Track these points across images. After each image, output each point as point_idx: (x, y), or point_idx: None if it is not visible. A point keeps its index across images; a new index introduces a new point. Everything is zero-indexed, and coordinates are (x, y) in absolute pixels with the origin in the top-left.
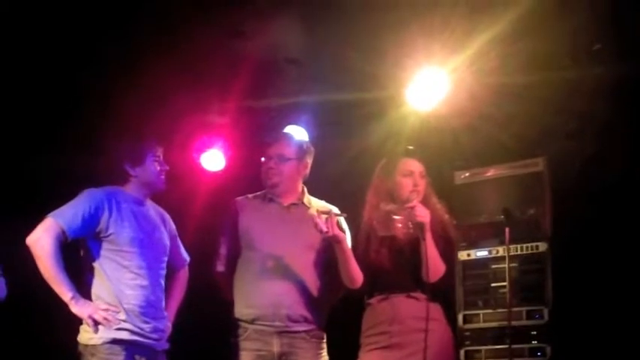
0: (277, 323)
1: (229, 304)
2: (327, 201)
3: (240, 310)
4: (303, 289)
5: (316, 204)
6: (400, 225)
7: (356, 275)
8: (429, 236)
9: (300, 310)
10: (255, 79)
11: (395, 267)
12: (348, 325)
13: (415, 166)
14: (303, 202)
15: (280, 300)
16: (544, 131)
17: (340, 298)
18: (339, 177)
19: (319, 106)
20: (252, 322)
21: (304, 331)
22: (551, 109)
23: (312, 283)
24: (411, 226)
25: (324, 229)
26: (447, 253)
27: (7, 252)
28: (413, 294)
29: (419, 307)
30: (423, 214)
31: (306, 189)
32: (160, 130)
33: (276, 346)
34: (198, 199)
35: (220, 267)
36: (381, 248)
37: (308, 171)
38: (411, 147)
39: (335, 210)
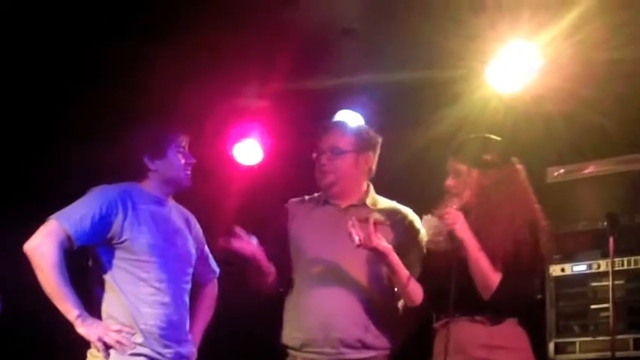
0: (327, 350)
1: (269, 325)
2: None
3: (288, 335)
4: (362, 308)
5: (384, 204)
6: (441, 238)
7: (411, 292)
8: (469, 244)
9: (357, 333)
10: (301, 55)
11: (455, 285)
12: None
13: (452, 163)
14: (365, 203)
15: (331, 321)
16: None
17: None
18: (403, 173)
19: (379, 88)
20: (300, 349)
21: None
22: None
23: (375, 300)
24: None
25: (356, 241)
26: (516, 262)
27: (2, 261)
28: (478, 317)
29: (487, 332)
30: (451, 220)
31: (372, 188)
32: (186, 116)
33: None
34: (230, 198)
35: None
36: (439, 263)
37: (373, 165)
38: (466, 139)
39: (408, 212)
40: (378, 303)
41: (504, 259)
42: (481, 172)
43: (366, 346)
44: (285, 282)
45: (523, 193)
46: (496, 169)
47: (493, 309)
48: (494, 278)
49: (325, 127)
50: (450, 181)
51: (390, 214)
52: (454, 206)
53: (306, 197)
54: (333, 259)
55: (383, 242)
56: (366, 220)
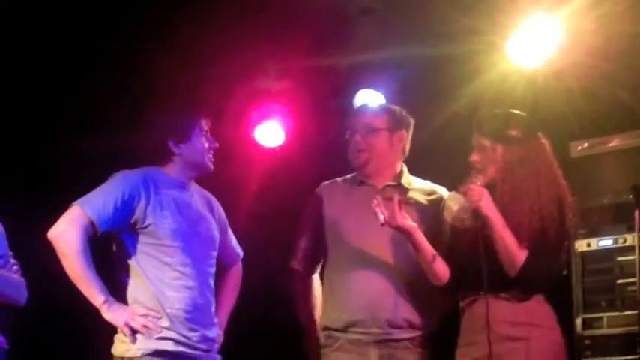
0: (375, 330)
1: (297, 308)
2: None
3: (331, 316)
4: (406, 288)
5: (420, 185)
6: (466, 215)
7: (438, 270)
8: (494, 221)
9: (404, 312)
10: (319, 35)
11: (480, 263)
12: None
13: (476, 138)
14: (401, 183)
15: (379, 302)
16: None
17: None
18: (423, 150)
19: (399, 65)
20: (345, 329)
21: (408, 339)
22: None
23: (416, 280)
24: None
25: (381, 220)
26: (542, 239)
27: (27, 248)
28: (504, 294)
29: (512, 309)
30: (475, 197)
31: (406, 168)
32: (206, 99)
33: (373, 357)
34: (252, 180)
35: (295, 264)
36: (464, 241)
37: (407, 145)
38: (486, 113)
39: (444, 193)
40: (420, 283)
41: (530, 236)
42: (505, 147)
43: (411, 326)
44: (320, 265)
45: (548, 169)
46: (520, 144)
47: (519, 286)
48: (520, 255)
49: (357, 108)
50: (474, 157)
51: (427, 194)
52: (478, 183)
53: (339, 179)
54: (374, 240)
55: (408, 221)
56: (391, 200)
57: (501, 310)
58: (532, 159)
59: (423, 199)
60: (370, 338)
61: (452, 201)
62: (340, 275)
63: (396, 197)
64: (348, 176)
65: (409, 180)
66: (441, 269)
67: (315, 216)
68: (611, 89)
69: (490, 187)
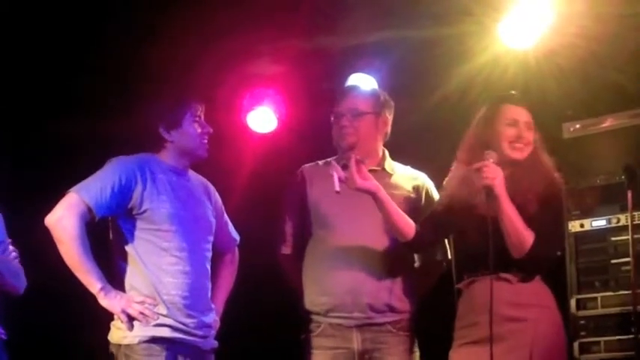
0: (357, 314)
1: (294, 292)
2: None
3: (312, 300)
4: (388, 273)
5: (401, 170)
6: (466, 191)
7: (403, 227)
8: (506, 201)
9: (385, 297)
10: (311, 18)
11: (481, 243)
12: (444, 315)
13: (521, 114)
14: (384, 168)
15: (360, 286)
16: None
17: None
18: (415, 132)
19: (390, 47)
20: (326, 314)
21: (389, 323)
22: None
23: (398, 265)
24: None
25: (337, 187)
26: (548, 221)
27: (25, 235)
28: (504, 275)
29: (513, 290)
30: (491, 175)
31: (387, 153)
32: (199, 85)
33: (356, 342)
34: (244, 166)
35: (286, 249)
36: (463, 220)
37: (389, 129)
38: (513, 92)
39: (425, 179)
40: (401, 267)
41: (537, 216)
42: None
43: (392, 310)
44: (302, 247)
45: (545, 150)
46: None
47: (521, 267)
48: (529, 237)
49: (343, 91)
50: (525, 133)
51: (409, 179)
52: (491, 160)
53: (320, 162)
54: (356, 224)
55: (370, 182)
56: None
57: (502, 291)
58: (540, 139)
59: (406, 184)
60: (352, 323)
61: (454, 173)
62: (322, 259)
63: (353, 157)
64: (329, 159)
65: (391, 165)
66: (407, 226)
67: (299, 199)
68: (602, 70)
69: (501, 165)
